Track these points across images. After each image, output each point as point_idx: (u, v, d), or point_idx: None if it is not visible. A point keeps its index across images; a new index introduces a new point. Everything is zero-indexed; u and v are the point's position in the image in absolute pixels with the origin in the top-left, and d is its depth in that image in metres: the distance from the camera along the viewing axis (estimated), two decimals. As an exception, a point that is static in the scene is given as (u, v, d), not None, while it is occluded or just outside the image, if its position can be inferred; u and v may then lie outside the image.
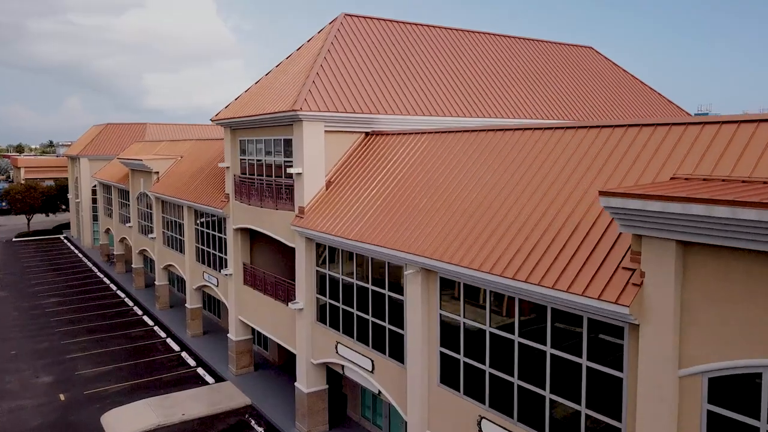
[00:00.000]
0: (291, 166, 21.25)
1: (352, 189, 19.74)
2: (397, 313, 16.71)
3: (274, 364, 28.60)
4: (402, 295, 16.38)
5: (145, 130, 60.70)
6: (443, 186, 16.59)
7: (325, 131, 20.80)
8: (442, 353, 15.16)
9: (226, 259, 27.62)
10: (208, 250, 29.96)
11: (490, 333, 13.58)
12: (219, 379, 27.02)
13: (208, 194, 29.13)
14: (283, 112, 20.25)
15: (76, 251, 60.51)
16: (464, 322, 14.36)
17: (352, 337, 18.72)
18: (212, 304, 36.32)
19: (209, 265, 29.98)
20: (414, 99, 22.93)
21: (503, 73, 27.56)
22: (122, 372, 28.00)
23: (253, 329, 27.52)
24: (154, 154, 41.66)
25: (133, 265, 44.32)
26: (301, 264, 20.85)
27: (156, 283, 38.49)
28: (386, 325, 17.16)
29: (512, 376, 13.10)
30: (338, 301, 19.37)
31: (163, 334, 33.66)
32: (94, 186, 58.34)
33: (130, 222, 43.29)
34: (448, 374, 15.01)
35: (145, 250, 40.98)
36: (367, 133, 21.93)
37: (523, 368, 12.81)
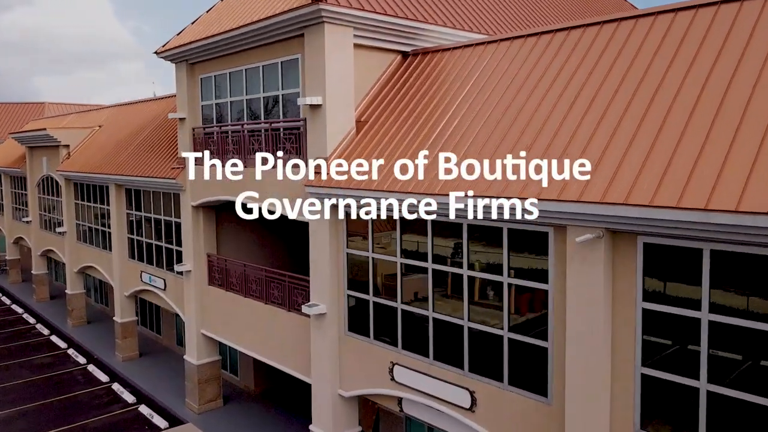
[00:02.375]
0: (295, 100, 14.05)
1: (406, 128, 12.84)
2: (532, 313, 10.01)
3: (250, 393, 20.98)
4: (545, 281, 9.69)
5: (43, 110, 50.19)
6: (604, 94, 10.01)
7: (354, 45, 13.79)
8: (646, 377, 8.60)
9: (179, 252, 19.78)
10: (149, 241, 21.88)
11: (794, 339, 7.20)
12: (174, 420, 19.09)
13: (148, 163, 21.12)
14: (295, 10, 13.04)
15: (-44, 260, 49.11)
16: (710, 321, 7.89)
17: (426, 356, 11.80)
18: (148, 317, 27.92)
19: (151, 262, 21.89)
20: (467, 11, 16.30)
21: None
22: (28, 418, 19.46)
23: (220, 348, 19.85)
24: (63, 126, 32.54)
25: (33, 272, 34.72)
26: (321, 247, 13.65)
27: (67, 292, 29.48)
28: (504, 333, 10.40)
29: None
30: (394, 299, 12.38)
31: (82, 360, 24.99)
32: (-22, 178, 47.34)
33: (28, 216, 33.81)
34: (668, 412, 8.48)
35: (50, 250, 31.74)
36: (403, 54, 15.07)
37: None
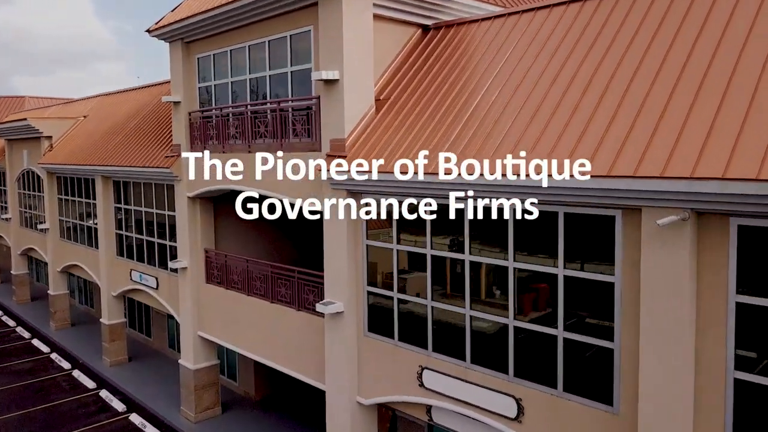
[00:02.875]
0: (305, 78, 12.72)
1: (432, 108, 11.54)
2: (594, 314, 8.74)
3: (250, 400, 19.53)
4: (610, 273, 8.42)
5: (23, 104, 48.16)
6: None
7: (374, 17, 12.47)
8: (741, 384, 7.37)
9: (172, 247, 18.31)
10: (140, 237, 20.37)
11: None
12: (168, 430, 17.62)
13: (139, 153, 19.61)
14: (308, -28, 11.71)
15: (-69, 261, 46.96)
16: (826, 318, 6.68)
17: (462, 359, 10.49)
18: (137, 318, 26.34)
19: (141, 260, 20.38)
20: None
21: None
22: (8, 429, 17.87)
23: (218, 351, 18.41)
24: (45, 117, 30.81)
25: (12, 272, 32.97)
26: (337, 239, 12.29)
27: (50, 293, 27.80)
28: (558, 332, 9.12)
29: None
30: (424, 296, 11.06)
31: (66, 365, 23.36)
32: (-46, 175, 45.29)
33: (7, 213, 32.04)
34: None
35: (31, 249, 30.01)
36: (424, 28, 13.79)
37: None
